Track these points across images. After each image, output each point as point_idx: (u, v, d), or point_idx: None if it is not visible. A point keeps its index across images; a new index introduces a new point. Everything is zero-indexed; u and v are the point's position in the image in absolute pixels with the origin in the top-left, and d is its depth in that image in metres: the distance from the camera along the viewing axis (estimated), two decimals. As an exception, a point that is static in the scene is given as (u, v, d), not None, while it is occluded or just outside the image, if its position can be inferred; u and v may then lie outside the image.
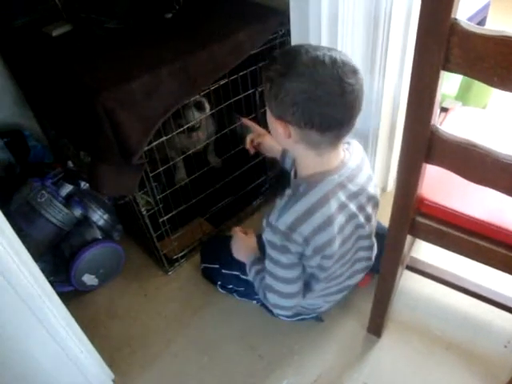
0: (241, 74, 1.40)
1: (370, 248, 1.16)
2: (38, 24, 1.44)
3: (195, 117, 1.46)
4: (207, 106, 1.48)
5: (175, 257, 1.56)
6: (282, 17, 1.35)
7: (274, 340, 1.36)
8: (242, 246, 1.29)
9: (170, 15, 1.42)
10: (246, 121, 1.40)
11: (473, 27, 0.66)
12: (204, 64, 1.24)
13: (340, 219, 0.99)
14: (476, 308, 1.36)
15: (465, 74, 0.71)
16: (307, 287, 1.14)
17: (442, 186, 1.01)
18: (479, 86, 1.68)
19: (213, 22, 1.37)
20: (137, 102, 1.14)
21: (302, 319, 1.33)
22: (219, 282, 1.43)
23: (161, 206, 1.41)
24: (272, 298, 1.13)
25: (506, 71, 0.65)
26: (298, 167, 1.04)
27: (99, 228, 1.46)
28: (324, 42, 1.25)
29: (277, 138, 1.00)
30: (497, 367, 1.26)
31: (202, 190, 1.55)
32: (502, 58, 0.64)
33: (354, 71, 0.89)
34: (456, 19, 0.67)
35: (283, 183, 1.67)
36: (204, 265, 1.48)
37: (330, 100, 0.86)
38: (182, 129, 1.38)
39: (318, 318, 1.36)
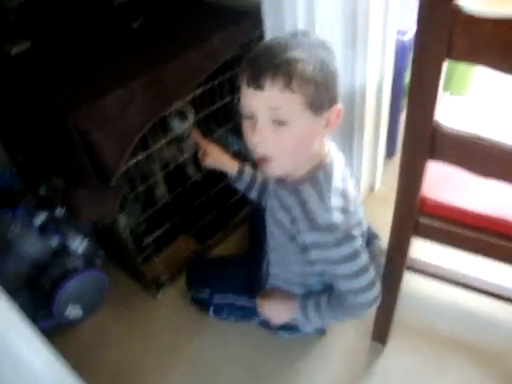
0: (216, 81, 1.33)
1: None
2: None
3: (180, 127, 1.39)
4: (191, 115, 1.42)
5: (162, 279, 1.47)
6: (255, 19, 1.29)
7: (276, 359, 1.29)
8: (277, 308, 1.15)
9: (137, 25, 1.34)
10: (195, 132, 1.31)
11: (477, 12, 0.62)
12: (179, 72, 1.17)
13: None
14: (479, 303, 1.32)
15: (470, 61, 0.66)
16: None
17: (443, 184, 0.96)
18: (461, 75, 1.66)
19: (184, 28, 1.30)
20: (111, 119, 1.06)
21: (306, 334, 1.27)
22: (211, 308, 1.33)
23: (144, 227, 1.33)
24: (365, 297, 0.98)
25: (518, 56, 0.61)
26: (298, 167, 0.93)
27: (79, 256, 1.36)
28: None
29: (308, 145, 0.89)
30: (508, 363, 1.22)
31: (185, 205, 1.47)
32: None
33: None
34: (457, 5, 0.63)
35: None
36: (192, 291, 1.37)
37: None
38: (166, 140, 1.30)
39: (321, 331, 1.30)
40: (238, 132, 1.52)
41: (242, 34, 1.29)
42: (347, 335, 1.32)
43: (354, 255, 0.91)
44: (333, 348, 1.30)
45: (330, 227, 0.88)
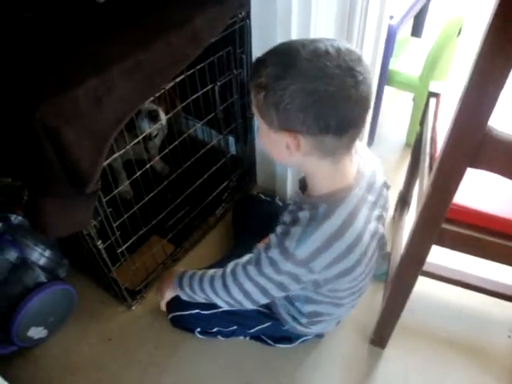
0: (198, 67, 1.18)
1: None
2: None
3: (150, 128, 1.22)
4: (162, 116, 1.25)
5: (137, 288, 1.32)
6: (241, -3, 1.15)
7: (272, 370, 1.20)
8: (163, 285, 1.15)
9: (102, -1, 1.15)
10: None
11: None
12: (161, 58, 1.00)
13: (366, 237, 0.84)
14: (474, 301, 1.30)
15: None
16: (309, 300, 0.99)
17: (469, 188, 0.89)
18: (443, 65, 1.60)
19: (161, 6, 1.12)
20: (85, 114, 0.89)
21: (304, 341, 1.20)
22: (198, 329, 1.20)
23: (118, 234, 1.16)
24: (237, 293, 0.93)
25: None
26: (310, 183, 0.86)
27: (41, 268, 1.18)
28: (294, 22, 1.09)
29: (279, 157, 0.81)
30: (505, 358, 1.21)
31: (157, 205, 1.30)
32: None
33: (360, 58, 0.73)
34: None
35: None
36: (174, 314, 1.20)
37: (345, 95, 0.70)
38: (137, 140, 1.14)
39: (319, 335, 1.22)
40: (218, 121, 1.39)
41: (227, 14, 1.14)
42: (346, 340, 1.25)
43: (270, 279, 0.86)
44: (331, 354, 1.23)
45: (288, 254, 0.81)
